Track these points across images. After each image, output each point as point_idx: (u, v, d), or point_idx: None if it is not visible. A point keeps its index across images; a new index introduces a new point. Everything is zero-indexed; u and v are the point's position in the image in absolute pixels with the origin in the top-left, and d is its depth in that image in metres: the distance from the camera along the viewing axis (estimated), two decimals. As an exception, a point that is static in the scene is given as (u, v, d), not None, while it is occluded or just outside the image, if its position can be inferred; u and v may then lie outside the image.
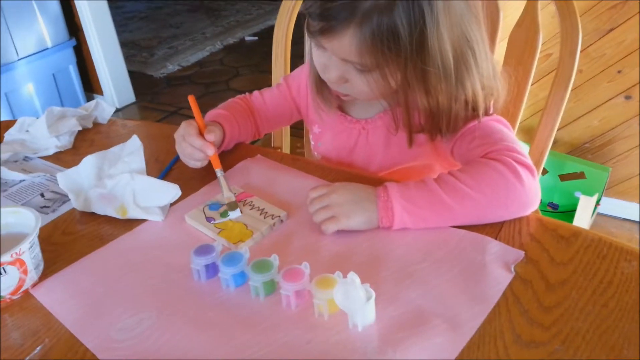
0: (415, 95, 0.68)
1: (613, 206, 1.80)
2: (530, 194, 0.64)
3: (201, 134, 0.76)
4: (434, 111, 0.69)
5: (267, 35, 3.73)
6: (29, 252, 0.59)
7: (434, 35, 0.61)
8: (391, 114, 0.76)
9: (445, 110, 0.69)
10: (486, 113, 0.73)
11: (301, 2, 1.05)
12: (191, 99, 0.80)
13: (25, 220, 0.62)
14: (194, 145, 0.75)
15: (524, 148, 0.68)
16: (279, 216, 0.68)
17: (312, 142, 0.94)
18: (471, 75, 0.67)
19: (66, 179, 0.74)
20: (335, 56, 0.67)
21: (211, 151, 0.75)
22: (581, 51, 0.86)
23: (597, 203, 1.70)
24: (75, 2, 2.66)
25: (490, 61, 0.71)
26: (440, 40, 0.62)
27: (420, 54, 0.62)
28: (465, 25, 0.64)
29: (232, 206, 0.69)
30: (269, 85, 1.00)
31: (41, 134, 0.90)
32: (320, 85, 0.79)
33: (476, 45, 0.66)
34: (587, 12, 1.57)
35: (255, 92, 0.94)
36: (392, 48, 0.62)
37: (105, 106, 1.00)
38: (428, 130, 0.73)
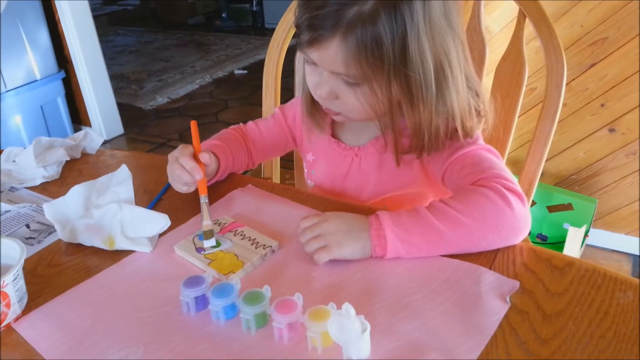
0: (402, 113, 0.70)
1: (601, 237, 1.81)
2: (520, 220, 0.64)
3: (196, 158, 0.76)
4: (417, 125, 0.71)
5: (256, 69, 3.78)
6: (12, 285, 0.57)
7: (414, 43, 0.64)
8: (382, 138, 0.77)
9: (427, 124, 0.70)
10: (469, 135, 0.74)
11: (291, 36, 1.07)
12: (193, 124, 0.81)
13: (9, 252, 0.60)
14: (185, 167, 0.75)
15: (513, 177, 0.69)
16: (271, 246, 0.67)
17: (305, 171, 0.95)
18: (449, 87, 0.69)
19: (53, 209, 0.73)
20: (324, 69, 0.69)
21: (199, 176, 0.75)
22: (565, 85, 0.88)
23: (586, 234, 1.71)
24: (65, 34, 2.68)
25: (473, 79, 0.73)
26: (420, 48, 0.64)
27: (402, 61, 0.64)
28: (444, 38, 0.67)
29: (208, 235, 0.68)
30: (259, 117, 1.00)
31: (28, 164, 0.89)
32: (312, 108, 0.81)
33: (454, 59, 0.68)
34: (569, 47, 1.61)
35: (250, 123, 0.95)
36: (377, 56, 0.64)
37: (94, 136, 0.99)
38: (414, 148, 0.74)
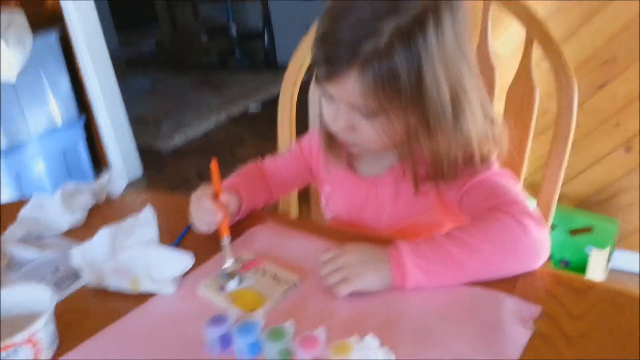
0: (420, 142, 0.71)
1: (626, 259, 1.77)
2: (538, 244, 0.64)
3: (216, 198, 0.78)
4: (435, 154, 0.72)
5: (270, 104, 3.85)
6: (44, 330, 0.58)
7: (430, 73, 0.65)
8: (399, 167, 0.79)
9: (445, 152, 0.72)
10: (486, 161, 0.75)
11: (304, 71, 1.10)
12: (213, 164, 0.82)
13: (39, 298, 0.62)
14: (205, 208, 0.77)
15: (529, 201, 0.69)
16: (292, 281, 0.68)
17: (322, 202, 0.96)
18: (466, 115, 0.70)
19: (80, 253, 0.75)
20: (342, 102, 0.71)
21: (220, 217, 0.76)
22: (577, 106, 0.88)
23: (609, 257, 1.68)
24: (85, 80, 2.76)
25: (488, 106, 0.74)
26: (436, 78, 0.66)
27: (419, 91, 0.66)
28: (458, 66, 0.68)
29: (232, 275, 0.70)
30: (274, 151, 1.03)
31: (54, 211, 0.92)
32: (330, 140, 0.83)
33: (469, 87, 0.70)
34: (579, 68, 1.62)
35: (268, 158, 0.97)
36: (393, 88, 0.65)
37: (118, 180, 1.02)
38: (432, 176, 0.76)
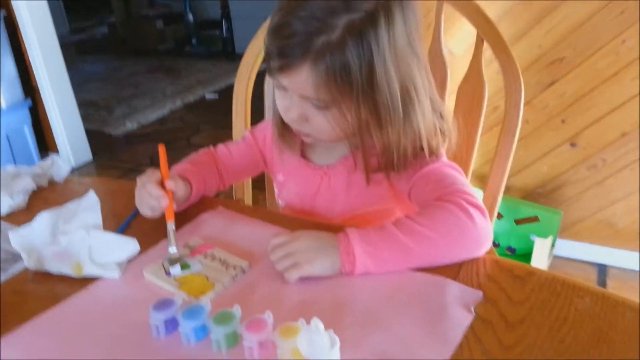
0: (371, 134, 0.73)
1: (568, 248, 1.86)
2: (482, 233, 0.66)
3: (163, 184, 0.77)
4: (386, 146, 0.74)
5: (227, 93, 3.80)
6: (-23, 315, 0.56)
7: (381, 69, 0.67)
8: (352, 157, 0.80)
9: (395, 145, 0.74)
10: (434, 153, 0.77)
11: (260, 60, 1.09)
12: (161, 148, 0.81)
13: (-26, 281, 0.59)
14: (151, 193, 0.75)
15: (475, 192, 0.71)
16: (241, 266, 0.67)
17: (276, 191, 0.96)
18: (416, 110, 0.72)
19: (19, 237, 0.72)
20: (294, 94, 0.72)
21: (165, 202, 0.75)
22: (526, 103, 0.92)
23: (552, 245, 1.75)
24: (32, 63, 2.65)
25: (437, 102, 0.77)
26: (387, 74, 0.68)
27: (370, 86, 0.68)
28: (408, 63, 0.70)
29: (174, 261, 0.69)
30: (230, 139, 1.02)
31: (-7, 193, 0.88)
32: (283, 129, 0.83)
33: (419, 83, 0.72)
34: (529, 67, 1.68)
35: (221, 145, 0.96)
36: (345, 82, 0.67)
37: (61, 164, 0.98)
38: (383, 167, 0.77)
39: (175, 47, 5.29)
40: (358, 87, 0.67)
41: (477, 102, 0.98)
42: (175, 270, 0.68)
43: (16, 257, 0.74)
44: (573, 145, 1.73)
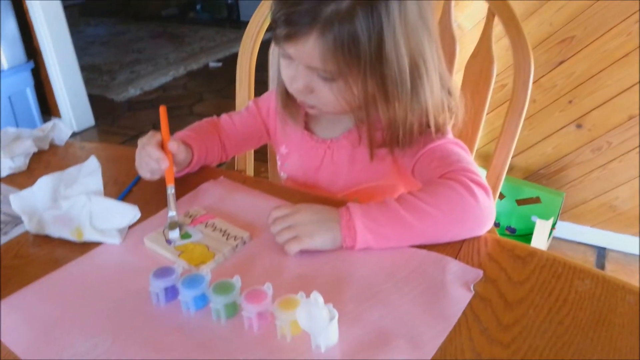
0: (377, 108, 0.71)
1: (568, 230, 1.86)
2: (485, 212, 0.66)
3: (164, 147, 0.76)
4: (392, 121, 0.73)
5: (230, 62, 3.76)
6: (-22, 276, 0.56)
7: (391, 41, 0.65)
8: (356, 131, 0.79)
9: (401, 120, 0.72)
10: (441, 130, 0.76)
11: (265, 29, 1.07)
12: (162, 110, 0.79)
13: (-26, 243, 0.59)
14: (150, 155, 0.75)
15: (480, 170, 0.71)
16: (242, 237, 0.67)
17: (278, 163, 0.95)
18: (424, 85, 0.71)
19: (19, 200, 0.72)
20: (300, 64, 0.70)
21: (166, 165, 0.74)
22: (534, 82, 0.90)
23: (553, 227, 1.76)
24: (34, 24, 2.62)
25: (446, 78, 0.75)
26: (396, 47, 0.66)
27: (378, 58, 0.66)
28: (419, 37, 0.68)
29: (173, 225, 0.68)
30: (233, 109, 1.00)
31: (-6, 155, 0.87)
32: (287, 100, 0.82)
33: (429, 58, 0.70)
34: (539, 45, 1.65)
35: (224, 115, 0.95)
36: (353, 53, 0.65)
37: (62, 127, 0.98)
38: (388, 142, 0.76)
39: (180, 12, 5.21)
40: (366, 59, 0.66)
41: (485, 79, 0.96)
42: (174, 234, 0.67)
43: (17, 220, 0.74)
44: (579, 126, 1.72)
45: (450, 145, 0.76)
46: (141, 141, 0.78)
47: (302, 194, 0.78)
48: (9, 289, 0.61)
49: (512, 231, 1.82)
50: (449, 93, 0.76)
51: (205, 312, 0.56)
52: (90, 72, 3.69)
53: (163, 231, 0.69)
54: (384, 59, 0.66)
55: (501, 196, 1.78)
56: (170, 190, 0.73)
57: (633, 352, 0.49)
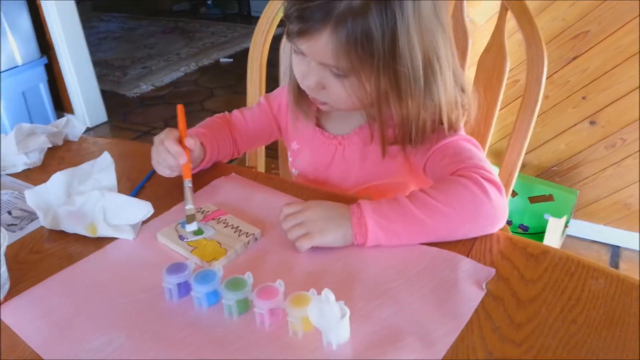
0: (389, 105, 0.71)
1: (581, 228, 1.84)
2: (497, 209, 0.65)
3: (181, 142, 0.76)
4: (405, 119, 0.72)
5: (241, 57, 3.76)
6: (-6, 271, 0.57)
7: (404, 38, 0.65)
8: (368, 128, 0.78)
9: (414, 118, 0.72)
10: (453, 127, 0.75)
11: (276, 24, 1.07)
12: (180, 109, 0.80)
13: (-10, 238, 0.60)
14: (169, 150, 0.75)
15: (492, 168, 0.70)
16: (253, 234, 0.68)
17: (290, 159, 0.95)
18: (437, 83, 0.70)
19: (34, 196, 0.72)
20: (312, 60, 0.70)
21: (184, 160, 0.75)
22: (547, 78, 0.89)
23: (566, 225, 1.74)
24: (47, 20, 2.64)
25: (459, 75, 0.75)
26: (410, 43, 0.65)
27: (392, 55, 0.66)
28: (433, 34, 0.68)
29: (190, 219, 0.69)
30: (244, 105, 1.01)
31: (9, 150, 0.88)
32: (299, 96, 0.82)
33: (443, 55, 0.70)
34: (552, 40, 1.63)
35: (235, 111, 0.95)
36: (366, 50, 0.65)
37: (76, 123, 0.98)
38: (400, 140, 0.76)
39: (191, 8, 5.22)
40: (379, 56, 0.65)
41: (498, 75, 0.95)
42: (192, 227, 0.68)
43: (32, 216, 0.75)
44: (592, 123, 1.70)
45: (463, 142, 0.76)
46: (158, 138, 0.78)
47: (313, 190, 0.79)
48: (24, 284, 0.62)
49: (524, 229, 1.81)
50: (462, 90, 0.76)
51: (218, 308, 0.57)
52: (102, 67, 3.71)
53: (176, 227, 0.70)
54: (397, 56, 0.66)
55: (514, 194, 1.77)
56: (188, 183, 0.73)
57: (647, 352, 0.49)
